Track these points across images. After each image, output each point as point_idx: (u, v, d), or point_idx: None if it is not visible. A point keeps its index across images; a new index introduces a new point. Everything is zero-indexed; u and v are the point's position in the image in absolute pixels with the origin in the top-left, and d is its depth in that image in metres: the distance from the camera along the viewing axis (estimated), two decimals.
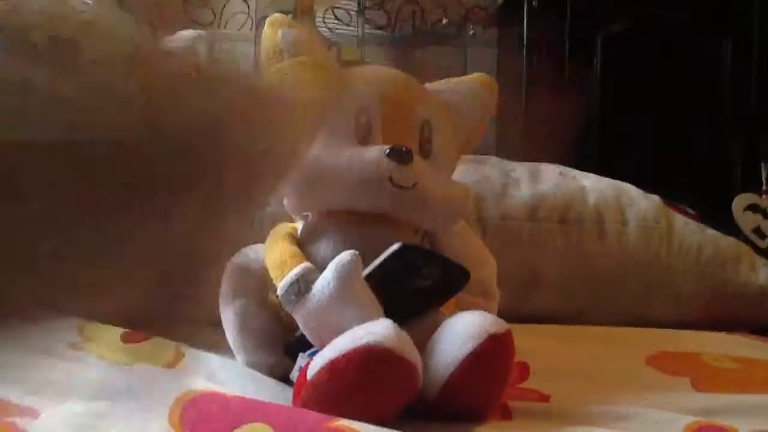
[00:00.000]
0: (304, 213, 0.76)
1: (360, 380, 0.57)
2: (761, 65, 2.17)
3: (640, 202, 1.04)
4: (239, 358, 0.75)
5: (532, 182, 1.04)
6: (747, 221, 1.27)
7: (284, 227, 0.75)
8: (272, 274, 0.69)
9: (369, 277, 0.65)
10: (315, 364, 0.59)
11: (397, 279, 0.66)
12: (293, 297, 0.65)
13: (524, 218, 0.98)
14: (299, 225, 0.76)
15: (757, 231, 1.27)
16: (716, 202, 1.34)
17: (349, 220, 0.73)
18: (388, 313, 0.63)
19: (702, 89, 2.22)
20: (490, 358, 0.61)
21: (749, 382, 0.76)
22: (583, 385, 0.74)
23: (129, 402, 0.60)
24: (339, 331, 0.60)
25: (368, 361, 0.56)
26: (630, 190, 1.08)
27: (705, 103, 2.23)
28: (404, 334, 0.59)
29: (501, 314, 0.73)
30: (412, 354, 0.58)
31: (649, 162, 1.91)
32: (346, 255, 0.63)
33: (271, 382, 0.71)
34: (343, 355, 0.57)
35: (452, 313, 0.67)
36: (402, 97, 0.78)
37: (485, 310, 0.67)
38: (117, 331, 0.80)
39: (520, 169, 1.08)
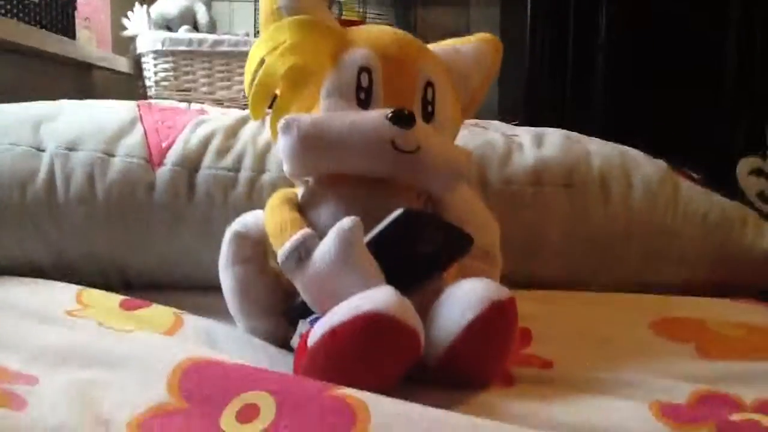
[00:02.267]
0: (305, 178, 0.74)
1: (361, 348, 0.56)
2: None
3: (645, 166, 1.03)
4: (239, 324, 0.75)
5: (535, 146, 1.02)
6: (751, 185, 1.26)
7: (284, 193, 0.73)
8: (272, 240, 0.68)
9: (371, 244, 0.64)
10: (316, 331, 0.58)
11: (400, 245, 0.65)
12: (294, 263, 0.64)
13: (528, 183, 0.97)
14: (299, 190, 0.75)
15: (761, 195, 1.25)
16: (719, 168, 1.32)
17: (350, 185, 0.71)
18: (390, 280, 0.62)
19: (709, 53, 2.19)
20: (493, 325, 0.61)
21: (754, 349, 0.76)
22: (587, 352, 0.74)
23: (127, 369, 0.59)
24: (340, 298, 0.59)
25: (369, 328, 0.56)
26: (635, 154, 1.06)
27: (708, 68, 2.20)
28: (406, 301, 0.58)
29: (504, 279, 0.72)
30: (414, 321, 0.58)
31: (653, 128, 1.89)
32: (347, 221, 0.62)
33: (272, 349, 0.71)
34: (344, 323, 0.56)
35: (455, 278, 0.66)
36: (404, 58, 0.76)
37: (488, 276, 0.67)
38: (116, 298, 0.79)
39: (524, 134, 1.06)
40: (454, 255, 0.69)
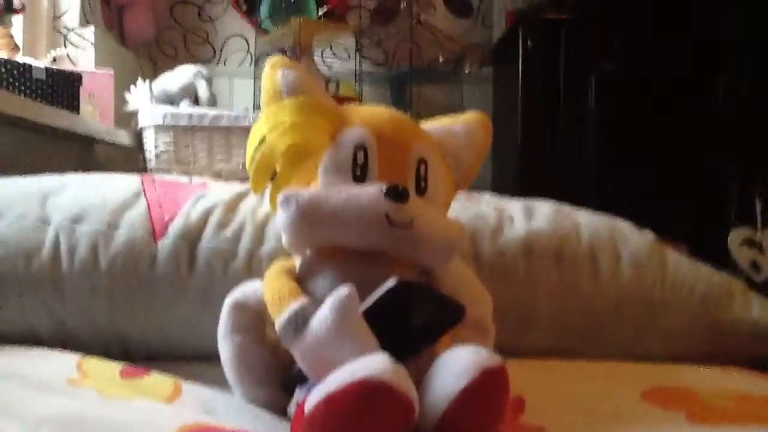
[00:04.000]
0: (302, 250, 0.77)
1: (357, 414, 0.57)
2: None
3: (633, 239, 1.06)
4: (237, 392, 0.76)
5: (526, 219, 1.05)
6: (744, 256, 1.28)
7: (282, 263, 0.76)
8: (270, 309, 0.70)
9: (365, 313, 0.65)
10: (312, 398, 0.60)
11: (394, 315, 0.66)
12: (291, 332, 0.66)
13: (519, 255, 0.99)
14: (297, 261, 0.77)
15: (754, 265, 1.28)
16: (712, 237, 1.35)
17: (346, 257, 0.74)
18: (385, 349, 0.63)
19: (698, 124, 2.24)
20: (485, 392, 0.62)
21: (744, 416, 0.77)
22: (579, 420, 0.75)
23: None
24: (336, 366, 0.61)
25: (365, 395, 0.57)
26: (623, 227, 1.09)
27: (702, 138, 2.24)
28: (401, 369, 0.60)
29: (496, 349, 0.74)
30: (409, 388, 0.59)
31: (647, 199, 1.92)
32: (343, 290, 0.64)
33: (269, 417, 0.72)
34: (341, 389, 0.58)
35: (447, 347, 0.68)
36: (398, 136, 0.79)
37: (481, 345, 0.68)
38: (116, 367, 0.81)
39: (515, 206, 1.09)
40: (447, 325, 0.70)
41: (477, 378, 0.61)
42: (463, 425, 0.62)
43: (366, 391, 0.57)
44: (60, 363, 0.81)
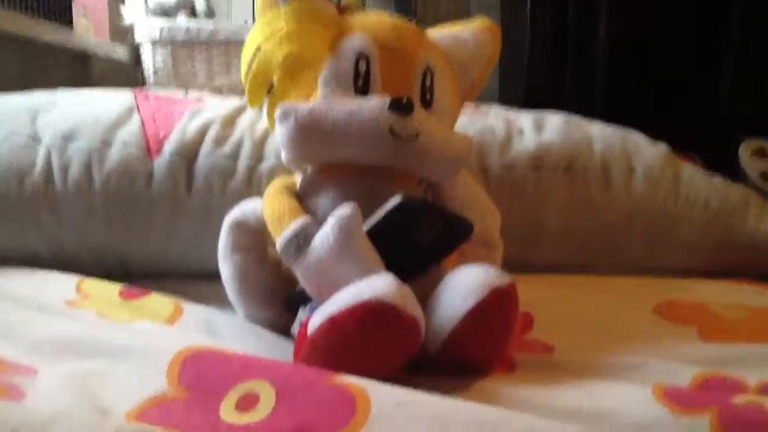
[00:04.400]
0: (303, 166, 0.74)
1: (361, 336, 0.56)
2: None
3: (646, 151, 1.02)
4: (239, 312, 0.75)
5: (536, 131, 1.01)
6: (754, 166, 1.25)
7: (282, 181, 0.73)
8: (271, 228, 0.68)
9: (369, 232, 0.63)
10: (315, 319, 0.58)
11: (399, 233, 0.64)
12: (292, 251, 0.64)
13: (529, 168, 0.96)
14: (298, 178, 0.74)
15: (764, 176, 1.25)
16: (722, 150, 1.32)
17: (348, 173, 0.71)
18: (390, 268, 0.62)
19: (708, 38, 2.17)
20: (494, 312, 0.60)
21: (757, 332, 0.75)
22: (588, 336, 0.73)
23: (127, 359, 0.59)
24: (339, 286, 0.59)
25: (369, 316, 0.56)
26: (637, 138, 1.05)
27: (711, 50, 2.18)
28: (406, 289, 0.58)
29: (505, 265, 0.72)
30: (414, 309, 0.57)
31: (654, 111, 1.87)
32: (345, 208, 0.62)
33: (272, 337, 0.71)
34: (344, 311, 0.56)
35: (455, 265, 0.66)
36: (403, 44, 0.75)
37: (489, 262, 0.66)
38: (115, 288, 0.79)
39: (525, 118, 1.05)
40: (454, 242, 0.68)
41: (485, 298, 0.60)
42: (471, 345, 0.61)
43: (370, 313, 0.55)
44: (59, 284, 0.80)
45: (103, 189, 0.87)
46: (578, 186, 0.97)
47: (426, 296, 0.63)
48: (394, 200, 0.64)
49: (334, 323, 0.56)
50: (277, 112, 0.69)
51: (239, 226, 0.73)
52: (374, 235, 0.63)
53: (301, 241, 0.64)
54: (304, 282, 0.65)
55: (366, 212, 0.63)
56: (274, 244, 0.67)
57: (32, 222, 0.87)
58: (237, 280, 0.73)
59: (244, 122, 0.95)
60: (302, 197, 0.71)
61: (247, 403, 0.52)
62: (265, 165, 0.90)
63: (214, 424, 0.50)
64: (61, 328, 0.66)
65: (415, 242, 0.65)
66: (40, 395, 0.54)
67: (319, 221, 0.64)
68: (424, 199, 0.72)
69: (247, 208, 0.74)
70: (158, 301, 0.77)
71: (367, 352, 0.57)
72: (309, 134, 0.69)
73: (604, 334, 0.74)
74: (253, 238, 0.73)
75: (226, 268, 0.74)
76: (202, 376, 0.55)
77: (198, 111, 0.96)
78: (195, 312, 0.75)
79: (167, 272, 0.90)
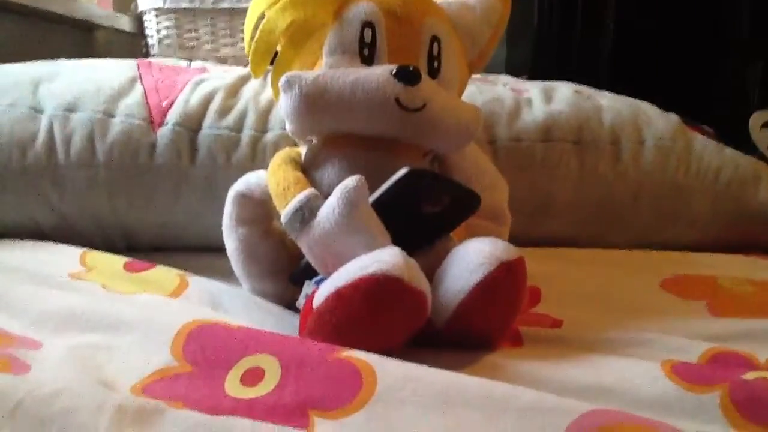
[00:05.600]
0: (308, 137, 0.73)
1: (367, 309, 0.55)
2: None
3: (657, 122, 1.00)
4: (245, 286, 0.74)
5: (545, 102, 1.00)
6: (764, 139, 1.24)
7: (287, 152, 0.72)
8: (275, 201, 0.66)
9: (375, 204, 0.62)
10: (321, 292, 0.57)
11: (406, 205, 0.63)
12: (297, 224, 0.63)
13: (537, 139, 0.94)
14: (303, 150, 0.73)
15: None
16: (733, 122, 1.30)
17: (354, 145, 0.70)
18: (397, 241, 0.61)
19: (720, 10, 2.14)
20: (501, 286, 0.60)
21: (767, 307, 0.74)
22: (597, 310, 0.73)
23: (131, 332, 0.58)
24: (345, 259, 0.58)
25: (375, 290, 0.55)
26: (647, 109, 1.04)
27: (723, 25, 2.15)
28: (413, 262, 0.57)
29: (512, 239, 0.71)
30: (421, 283, 0.57)
31: (666, 82, 1.85)
32: (351, 180, 0.61)
33: (277, 310, 0.71)
34: (350, 284, 0.55)
35: (463, 238, 0.65)
36: (409, 11, 0.73)
37: (496, 235, 0.65)
38: (120, 260, 0.79)
39: (533, 88, 1.04)
40: (461, 215, 0.67)
41: (492, 272, 0.59)
42: (478, 319, 0.60)
43: (376, 286, 0.55)
44: (63, 256, 0.79)
45: (106, 160, 0.86)
46: (587, 157, 0.96)
47: (433, 269, 0.62)
48: (401, 172, 0.62)
49: (339, 296, 0.56)
50: (282, 82, 0.68)
51: (243, 199, 0.72)
52: (380, 206, 0.62)
53: (306, 213, 0.63)
54: (309, 255, 0.64)
55: (372, 184, 0.62)
56: (278, 217, 0.66)
57: (34, 194, 0.86)
58: (242, 254, 0.72)
59: (248, 92, 0.93)
60: (307, 169, 0.70)
61: (252, 377, 0.51)
62: (270, 136, 0.89)
63: (218, 398, 0.50)
64: (65, 300, 0.66)
65: (421, 214, 0.64)
66: (44, 368, 0.53)
67: (324, 193, 0.63)
68: (431, 171, 0.71)
69: (251, 181, 0.73)
70: (163, 274, 0.76)
71: (372, 326, 0.56)
72: (313, 104, 0.67)
73: (612, 308, 0.73)
74: (258, 211, 0.72)
75: (230, 241, 0.73)
76: (206, 349, 0.55)
77: (201, 81, 0.94)
78: (200, 285, 0.74)
79: (171, 245, 0.89)
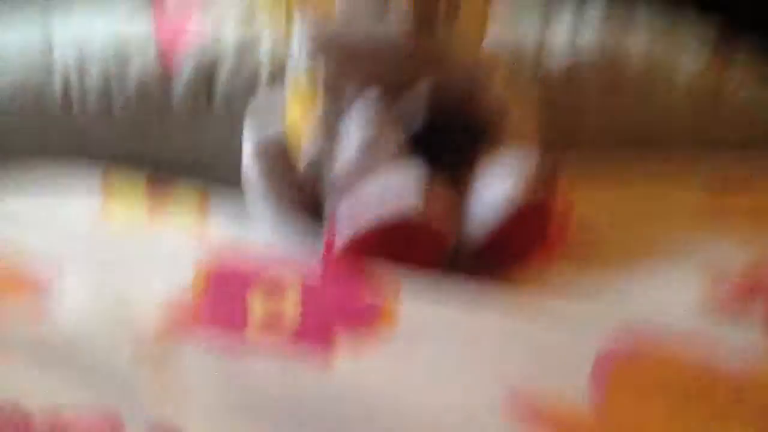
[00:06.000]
0: (327, 84, 0.71)
1: (388, 249, 0.57)
2: None
3: (689, 60, 0.95)
4: (266, 226, 0.73)
5: (575, 21, 0.96)
6: None
7: (307, 93, 0.71)
8: (295, 143, 0.67)
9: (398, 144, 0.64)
10: (342, 233, 0.59)
11: (426, 142, 0.65)
12: (318, 163, 0.65)
13: (565, 64, 0.91)
14: (320, 87, 0.71)
15: None
16: None
17: (373, 90, 0.68)
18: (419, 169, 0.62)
19: None
20: (526, 224, 0.61)
21: None
22: (634, 222, 0.71)
23: (153, 270, 0.60)
24: (366, 200, 0.60)
25: (397, 230, 0.57)
26: (682, 36, 0.98)
27: None
28: (435, 199, 0.58)
29: (542, 162, 0.69)
30: (442, 223, 0.58)
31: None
32: (372, 119, 0.63)
33: (299, 248, 0.69)
34: (372, 224, 0.57)
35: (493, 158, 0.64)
36: None
37: (525, 157, 0.65)
38: (141, 184, 0.78)
39: (561, 15, 0.99)
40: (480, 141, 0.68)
41: (516, 213, 0.60)
42: (505, 253, 0.61)
43: (398, 226, 0.56)
44: (84, 190, 0.78)
45: (125, 105, 0.85)
46: (616, 93, 0.91)
47: (462, 192, 0.63)
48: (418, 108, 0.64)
49: (361, 237, 0.57)
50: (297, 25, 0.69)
51: (263, 146, 0.72)
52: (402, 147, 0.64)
53: (326, 151, 0.64)
54: (330, 195, 0.65)
55: (394, 97, 0.63)
56: (300, 158, 0.67)
57: (51, 138, 0.85)
58: (262, 194, 0.72)
59: (262, 23, 0.90)
60: (327, 91, 0.69)
61: (274, 293, 0.52)
62: (287, 77, 0.86)
63: (240, 340, 0.51)
64: (86, 238, 0.67)
65: (441, 150, 0.66)
66: (65, 309, 0.55)
67: (344, 111, 0.65)
68: (446, 108, 0.70)
69: (269, 125, 0.72)
70: (185, 198, 0.75)
71: (395, 260, 0.58)
72: (329, 52, 0.68)
73: (649, 223, 0.71)
74: (278, 153, 0.71)
75: (250, 182, 0.73)
76: (227, 269, 0.56)
77: (214, 15, 0.91)
78: (223, 205, 0.74)
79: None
